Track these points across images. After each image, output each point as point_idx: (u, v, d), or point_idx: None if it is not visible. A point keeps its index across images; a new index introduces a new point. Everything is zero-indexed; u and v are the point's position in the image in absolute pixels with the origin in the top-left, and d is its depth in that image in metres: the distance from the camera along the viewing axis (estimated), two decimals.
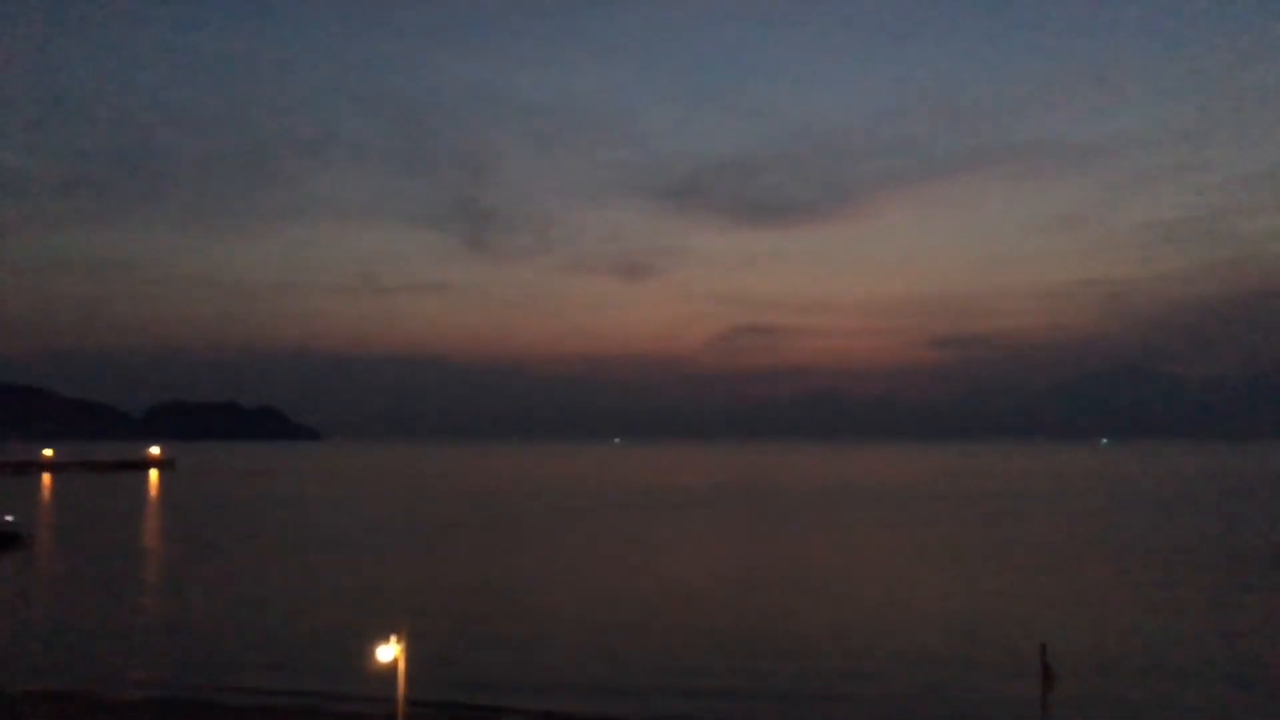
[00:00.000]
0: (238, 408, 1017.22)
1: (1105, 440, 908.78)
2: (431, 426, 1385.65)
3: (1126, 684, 32.73)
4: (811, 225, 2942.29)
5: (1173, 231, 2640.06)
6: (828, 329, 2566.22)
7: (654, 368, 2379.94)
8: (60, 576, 59.74)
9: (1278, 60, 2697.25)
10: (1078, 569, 60.93)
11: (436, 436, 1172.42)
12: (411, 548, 74.01)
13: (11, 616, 45.95)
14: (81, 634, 41.12)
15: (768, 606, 48.16)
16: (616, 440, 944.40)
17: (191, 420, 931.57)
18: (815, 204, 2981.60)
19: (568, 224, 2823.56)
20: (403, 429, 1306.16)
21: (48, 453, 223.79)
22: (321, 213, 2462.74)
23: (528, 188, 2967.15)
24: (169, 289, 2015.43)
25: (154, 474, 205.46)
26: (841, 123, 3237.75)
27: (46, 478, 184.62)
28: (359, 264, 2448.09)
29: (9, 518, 78.12)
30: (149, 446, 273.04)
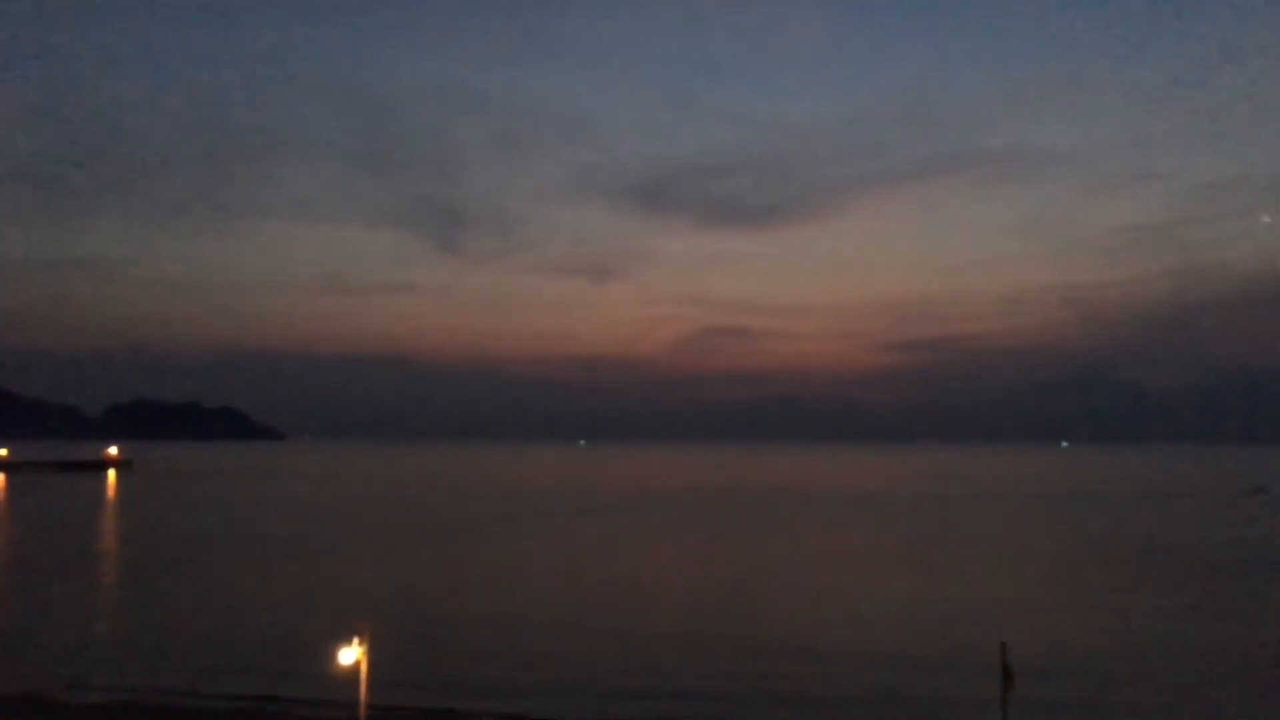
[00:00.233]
0: (199, 408, 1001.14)
1: (1066, 443, 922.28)
2: (396, 427, 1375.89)
3: (1086, 684, 33.21)
4: (778, 228, 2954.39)
5: (1135, 237, 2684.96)
6: (793, 332, 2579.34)
7: (619, 369, 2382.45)
8: (14, 579, 58.61)
9: (1241, 67, 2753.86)
10: (1037, 569, 61.88)
11: (401, 437, 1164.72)
12: (374, 549, 73.45)
13: None
14: (38, 638, 40.35)
15: (729, 608, 48.41)
16: (581, 442, 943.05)
17: (152, 420, 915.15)
18: (782, 207, 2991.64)
19: (534, 225, 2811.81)
20: (367, 430, 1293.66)
21: (2, 452, 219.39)
22: (286, 212, 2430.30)
23: (494, 189, 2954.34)
24: (129, 288, 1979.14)
25: (112, 475, 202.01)
26: (808, 126, 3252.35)
27: (0, 478, 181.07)
28: (324, 264, 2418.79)
29: None
30: (107, 447, 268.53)
